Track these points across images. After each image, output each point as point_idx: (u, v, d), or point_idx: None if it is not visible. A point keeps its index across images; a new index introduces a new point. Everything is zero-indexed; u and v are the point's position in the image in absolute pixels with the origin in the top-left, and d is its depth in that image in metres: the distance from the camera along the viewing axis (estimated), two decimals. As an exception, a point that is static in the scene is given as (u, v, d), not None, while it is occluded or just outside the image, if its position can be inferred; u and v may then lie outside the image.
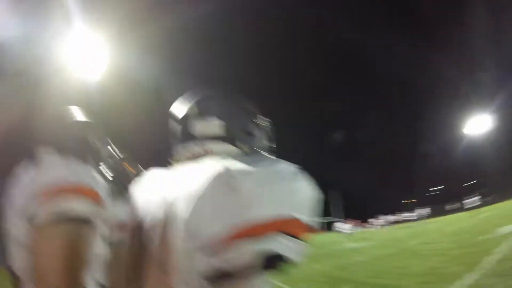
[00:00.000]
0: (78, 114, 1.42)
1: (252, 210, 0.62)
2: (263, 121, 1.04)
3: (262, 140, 1.01)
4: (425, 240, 13.52)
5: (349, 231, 22.34)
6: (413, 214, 35.60)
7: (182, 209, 0.67)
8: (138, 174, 2.33)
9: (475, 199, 30.89)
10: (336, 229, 22.55)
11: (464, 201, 31.52)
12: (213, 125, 0.92)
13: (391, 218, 41.99)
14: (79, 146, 1.25)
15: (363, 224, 41.85)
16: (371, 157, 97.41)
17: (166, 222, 0.71)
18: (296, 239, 0.66)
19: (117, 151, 2.28)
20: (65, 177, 0.91)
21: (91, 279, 0.94)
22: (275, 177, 0.68)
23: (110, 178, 2.03)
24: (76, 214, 0.86)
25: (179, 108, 1.00)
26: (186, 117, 0.96)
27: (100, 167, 1.38)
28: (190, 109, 0.97)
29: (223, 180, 0.66)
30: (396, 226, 38.46)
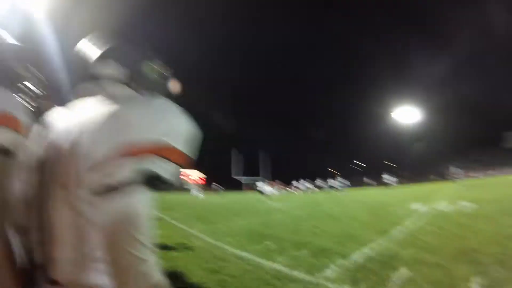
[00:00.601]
0: (4, 37, 1.33)
1: (134, 135, 0.76)
2: (163, 69, 1.15)
3: (157, 86, 1.12)
4: (342, 206, 14.49)
5: (268, 192, 23.10)
6: (335, 183, 37.63)
7: (78, 134, 0.79)
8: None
9: (392, 179, 33.40)
10: (257, 188, 23.20)
11: (383, 179, 33.93)
12: (113, 68, 1.00)
13: (313, 184, 44.15)
14: (2, 72, 1.23)
15: (287, 186, 43.67)
16: (304, 127, 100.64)
17: (67, 148, 0.80)
18: (171, 163, 0.81)
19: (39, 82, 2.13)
20: None
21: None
22: (157, 110, 0.83)
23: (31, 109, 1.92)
24: None
25: (83, 48, 1.06)
26: (89, 57, 1.03)
27: (22, 95, 1.29)
28: (93, 50, 1.03)
29: (109, 109, 0.80)
30: (317, 191, 40.74)
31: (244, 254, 5.33)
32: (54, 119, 0.96)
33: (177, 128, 0.85)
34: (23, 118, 0.96)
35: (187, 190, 35.86)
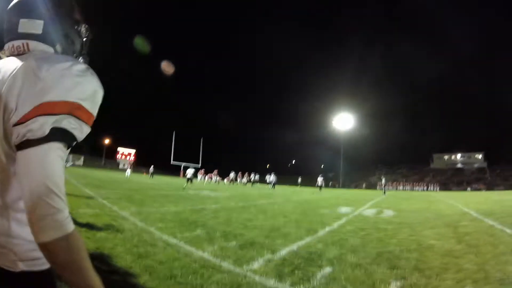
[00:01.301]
0: None
1: (50, 94, 0.82)
2: (84, 30, 1.19)
3: (77, 45, 1.18)
4: (273, 201, 14.84)
5: (190, 175, 23.06)
6: (271, 179, 38.27)
7: (3, 91, 0.85)
8: None
9: (322, 180, 34.69)
10: (187, 175, 23.02)
11: (317, 181, 35.15)
12: (36, 25, 1.02)
13: (250, 178, 44.59)
14: None
15: (224, 177, 43.79)
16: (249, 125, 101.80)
17: None
18: (80, 121, 0.88)
19: None
20: None
21: None
22: (71, 71, 0.88)
23: None
24: None
25: (10, 5, 1.05)
26: (13, 14, 1.03)
27: None
28: (17, 7, 1.03)
29: (31, 68, 0.86)
30: (250, 185, 41.24)
31: (173, 241, 5.22)
32: None
33: (89, 91, 0.90)
34: None
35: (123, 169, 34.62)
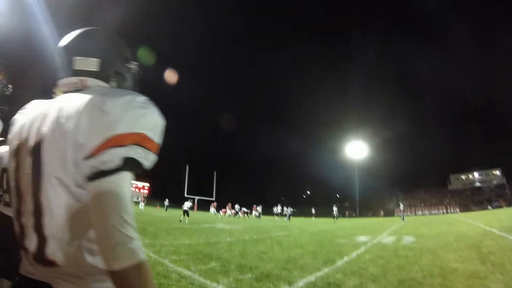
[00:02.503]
0: None
1: (119, 127, 0.87)
2: (134, 66, 1.26)
3: (129, 81, 1.24)
4: (289, 233, 14.51)
5: (186, 207, 22.77)
6: (286, 211, 37.89)
7: (66, 126, 0.89)
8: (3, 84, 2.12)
9: (337, 210, 34.26)
10: (184, 207, 22.78)
11: (333, 211, 34.72)
12: (92, 63, 1.09)
13: (264, 210, 44.04)
14: None
15: (238, 210, 43.36)
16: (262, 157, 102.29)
17: (60, 138, 0.89)
18: (147, 150, 0.93)
19: None
20: None
21: None
22: (134, 104, 0.93)
23: None
24: None
25: (64, 44, 1.11)
26: (69, 52, 1.10)
27: None
28: (73, 46, 1.11)
29: (96, 103, 0.89)
30: (263, 217, 40.72)
31: (187, 273, 5.12)
32: (38, 110, 1.03)
33: (152, 122, 0.96)
34: None
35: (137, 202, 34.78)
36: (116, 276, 0.79)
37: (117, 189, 0.84)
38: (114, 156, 0.85)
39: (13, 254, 1.58)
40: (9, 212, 2.87)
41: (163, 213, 33.34)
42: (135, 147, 0.89)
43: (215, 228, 16.39)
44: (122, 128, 0.87)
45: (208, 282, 4.63)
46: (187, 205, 23.23)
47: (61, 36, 1.13)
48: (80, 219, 0.88)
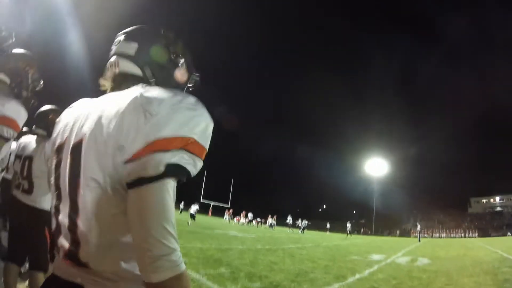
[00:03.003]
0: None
1: (164, 130, 0.80)
2: (182, 63, 1.19)
3: (169, 76, 1.15)
4: (301, 246, 14.37)
5: (193, 211, 22.67)
6: (301, 224, 37.64)
7: (107, 126, 0.83)
8: (36, 79, 2.19)
9: (351, 226, 33.81)
10: (190, 211, 22.70)
11: (347, 227, 34.32)
12: (129, 46, 1.07)
13: (278, 221, 43.72)
14: None
15: (253, 219, 43.23)
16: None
17: (102, 141, 0.84)
18: (194, 155, 0.85)
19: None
20: None
21: None
22: (182, 105, 0.86)
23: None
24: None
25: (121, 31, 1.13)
26: (118, 35, 1.12)
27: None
28: (123, 31, 1.12)
29: (139, 103, 0.83)
30: (277, 228, 40.37)
31: (196, 276, 5.11)
32: (83, 109, 1.00)
33: (202, 125, 0.88)
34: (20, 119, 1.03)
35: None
36: (153, 287, 0.76)
37: (159, 197, 0.78)
38: (158, 162, 0.79)
39: (47, 249, 1.60)
40: (26, 199, 2.94)
41: (177, 215, 33.48)
42: (180, 152, 0.82)
43: (228, 235, 16.40)
44: (168, 132, 0.81)
45: (215, 287, 4.61)
46: (193, 208, 23.23)
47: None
48: (118, 225, 0.84)
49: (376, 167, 67.18)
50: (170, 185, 0.81)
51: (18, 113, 1.80)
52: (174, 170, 0.81)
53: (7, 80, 1.99)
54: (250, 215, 42.96)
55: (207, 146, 0.90)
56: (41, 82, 2.25)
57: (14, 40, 1.49)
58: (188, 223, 20.24)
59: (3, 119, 1.62)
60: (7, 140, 1.70)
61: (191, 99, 0.90)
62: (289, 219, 40.53)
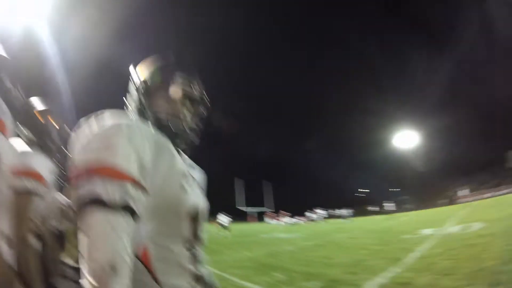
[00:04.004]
0: None
1: (79, 157, 0.81)
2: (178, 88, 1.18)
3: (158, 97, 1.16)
4: (350, 235, 14.16)
5: (226, 223, 22.40)
6: (341, 212, 37.16)
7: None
8: (61, 128, 2.23)
9: (394, 205, 33.05)
10: (218, 221, 22.48)
11: (385, 206, 33.60)
12: (131, 88, 1.19)
13: (318, 213, 43.27)
14: None
15: (292, 216, 42.95)
16: (306, 157, 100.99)
17: None
18: (119, 182, 0.77)
19: (36, 102, 2.17)
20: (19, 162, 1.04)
21: None
22: (102, 131, 0.83)
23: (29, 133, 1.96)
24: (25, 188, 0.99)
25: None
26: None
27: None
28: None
29: (82, 127, 0.85)
30: (322, 221, 39.98)
31: (250, 285, 5.14)
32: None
33: (123, 151, 0.82)
34: (9, 121, 0.96)
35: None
36: None
37: (83, 227, 0.74)
38: (80, 190, 0.76)
39: None
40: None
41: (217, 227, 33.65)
42: (101, 180, 0.77)
43: (274, 237, 16.40)
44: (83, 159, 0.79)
45: (274, 293, 4.63)
46: (224, 220, 23.05)
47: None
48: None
49: (407, 139, 65.41)
50: (94, 215, 0.77)
51: (43, 165, 1.85)
52: (95, 200, 0.77)
53: (29, 133, 2.06)
54: (288, 219, 42.70)
55: (131, 171, 0.82)
56: (68, 130, 2.31)
57: (19, 90, 1.55)
58: (225, 236, 20.31)
59: (27, 172, 1.68)
60: (33, 194, 1.74)
61: (118, 123, 0.87)
62: (344, 211, 39.94)
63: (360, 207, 55.54)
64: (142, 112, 1.12)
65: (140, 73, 1.19)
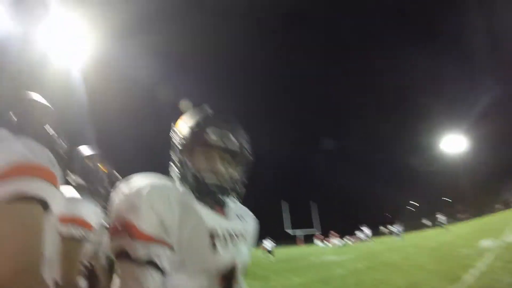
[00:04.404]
0: (38, 99, 1.47)
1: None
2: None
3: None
4: (403, 254, 13.54)
5: (270, 247, 21.93)
6: (392, 228, 35.73)
7: None
8: (110, 172, 2.31)
9: (447, 216, 31.33)
10: (263, 245, 22.08)
11: (439, 217, 31.93)
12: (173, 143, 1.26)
13: (369, 232, 41.86)
14: (38, 131, 1.40)
15: (341, 237, 41.86)
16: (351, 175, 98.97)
17: None
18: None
19: (87, 149, 2.27)
20: (21, 155, 0.89)
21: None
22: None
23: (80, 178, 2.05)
24: (32, 194, 0.85)
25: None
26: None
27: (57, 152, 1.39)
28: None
29: None
30: (373, 240, 38.59)
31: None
32: None
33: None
34: (57, 171, 1.00)
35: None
36: None
37: (117, 273, 0.93)
38: (112, 243, 0.94)
39: None
40: None
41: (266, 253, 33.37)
42: (128, 237, 0.91)
43: (324, 260, 16.01)
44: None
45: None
46: (268, 245, 22.78)
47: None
48: None
49: (455, 144, 62.21)
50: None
51: (90, 211, 1.93)
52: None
53: (80, 180, 2.13)
54: (336, 241, 41.57)
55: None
56: (117, 175, 2.38)
57: (63, 138, 1.62)
58: (271, 260, 20.03)
59: (73, 219, 1.76)
60: (80, 240, 1.80)
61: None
62: (397, 227, 38.57)
63: (410, 221, 53.23)
64: (182, 169, 1.19)
65: (178, 129, 1.25)
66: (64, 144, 1.61)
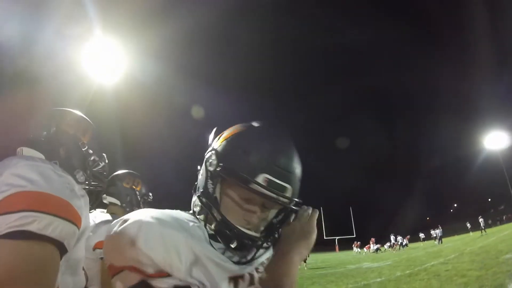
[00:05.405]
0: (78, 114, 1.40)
1: None
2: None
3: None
4: (443, 260, 13.15)
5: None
6: (435, 233, 34.50)
7: None
8: (145, 193, 2.36)
9: (483, 220, 29.83)
10: None
11: (481, 220, 30.48)
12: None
13: (410, 238, 40.56)
14: (68, 153, 1.28)
15: (381, 243, 40.84)
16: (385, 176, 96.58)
17: None
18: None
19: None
20: (37, 186, 0.85)
21: None
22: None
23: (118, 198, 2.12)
24: (44, 233, 0.81)
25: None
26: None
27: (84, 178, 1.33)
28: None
29: None
30: (411, 245, 37.39)
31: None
32: None
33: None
34: (79, 205, 0.95)
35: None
36: None
37: None
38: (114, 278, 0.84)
39: None
40: None
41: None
42: (128, 273, 0.78)
43: (362, 268, 15.74)
44: None
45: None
46: None
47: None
48: None
49: (499, 140, 58.30)
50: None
51: None
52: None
53: (117, 202, 2.22)
54: (373, 246, 40.46)
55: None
56: (150, 195, 2.44)
57: (106, 161, 1.53)
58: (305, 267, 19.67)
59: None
60: None
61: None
62: (436, 231, 37.24)
63: (451, 224, 51.19)
64: (207, 204, 0.93)
65: (220, 148, 1.00)
66: (101, 163, 1.50)
